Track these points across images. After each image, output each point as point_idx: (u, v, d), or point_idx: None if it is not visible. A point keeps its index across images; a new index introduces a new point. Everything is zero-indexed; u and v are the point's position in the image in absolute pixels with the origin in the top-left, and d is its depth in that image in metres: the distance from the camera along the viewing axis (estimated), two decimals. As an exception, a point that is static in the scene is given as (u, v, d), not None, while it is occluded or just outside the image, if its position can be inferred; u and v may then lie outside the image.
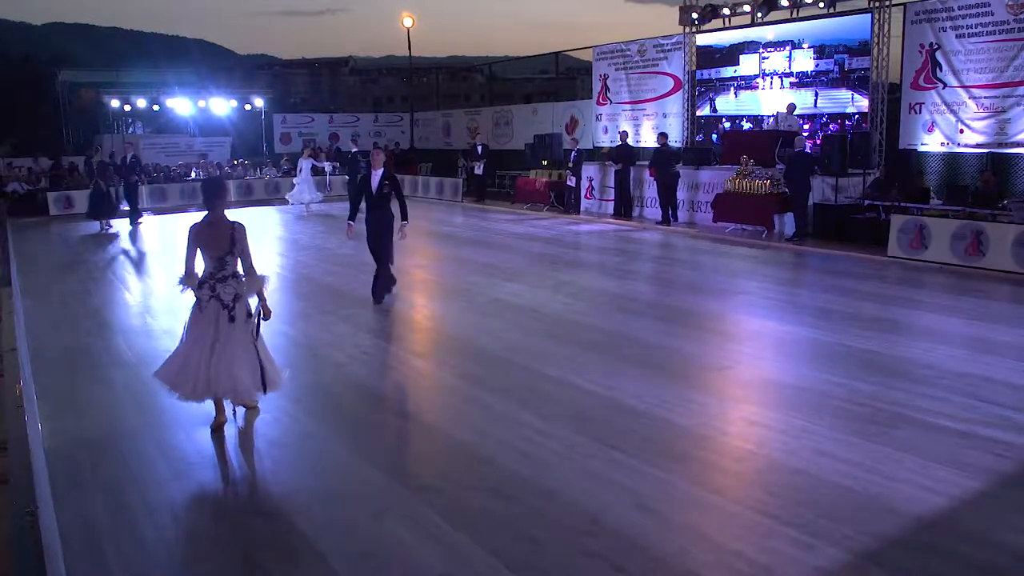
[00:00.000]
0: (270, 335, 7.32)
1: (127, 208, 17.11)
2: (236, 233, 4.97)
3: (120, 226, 16.50)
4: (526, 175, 19.57)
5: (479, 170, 20.64)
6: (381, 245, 8.62)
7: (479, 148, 20.93)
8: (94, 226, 16.26)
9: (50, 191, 19.48)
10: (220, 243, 4.95)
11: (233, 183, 21.62)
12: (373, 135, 25.88)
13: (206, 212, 5.04)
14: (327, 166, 19.59)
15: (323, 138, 26.87)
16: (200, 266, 5.01)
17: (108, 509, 4.06)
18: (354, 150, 19.78)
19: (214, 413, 5.12)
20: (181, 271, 5.06)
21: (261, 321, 5.14)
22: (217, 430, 5.07)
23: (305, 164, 19.30)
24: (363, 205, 8.64)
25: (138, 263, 12.70)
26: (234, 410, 5.27)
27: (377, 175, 8.45)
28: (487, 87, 37.98)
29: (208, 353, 4.91)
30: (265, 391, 5.14)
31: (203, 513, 4.09)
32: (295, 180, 19.41)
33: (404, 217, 8.53)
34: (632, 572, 3.39)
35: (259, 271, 5.15)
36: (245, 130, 26.59)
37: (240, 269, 5.06)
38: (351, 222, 8.81)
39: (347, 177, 19.41)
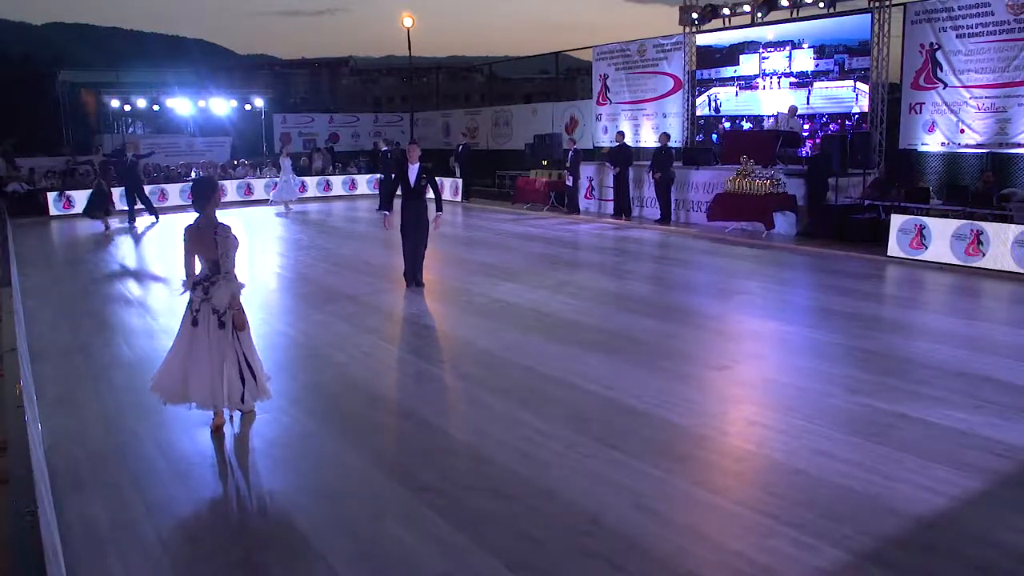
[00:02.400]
0: (270, 335, 7.36)
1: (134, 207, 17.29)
2: (218, 235, 4.81)
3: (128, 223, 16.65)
4: (526, 175, 19.57)
5: (457, 172, 21.05)
6: (421, 233, 9.36)
7: (459, 148, 21.35)
8: (97, 225, 16.38)
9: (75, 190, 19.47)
10: (209, 246, 4.83)
11: (233, 183, 21.64)
12: (373, 135, 25.90)
13: (197, 214, 4.92)
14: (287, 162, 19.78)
15: (323, 138, 26.91)
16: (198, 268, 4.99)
17: (108, 509, 4.06)
18: (383, 148, 19.88)
19: (212, 415, 5.12)
20: (182, 275, 5.02)
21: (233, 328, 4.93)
22: (216, 431, 5.06)
23: (286, 163, 19.43)
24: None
25: (138, 263, 12.70)
26: (231, 415, 5.26)
27: (414, 169, 9.11)
28: (487, 87, 38.00)
29: (198, 360, 4.86)
30: (244, 400, 5.09)
31: (203, 513, 4.08)
32: (279, 180, 19.81)
33: (439, 208, 9.50)
34: (632, 572, 3.39)
35: (239, 279, 4.99)
36: (245, 130, 26.60)
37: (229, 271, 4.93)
38: (387, 212, 9.74)
39: (380, 176, 19.73)
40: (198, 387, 4.87)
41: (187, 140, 25.28)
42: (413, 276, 9.52)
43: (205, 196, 4.90)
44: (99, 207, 16.53)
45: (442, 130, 26.57)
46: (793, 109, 14.65)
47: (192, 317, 4.92)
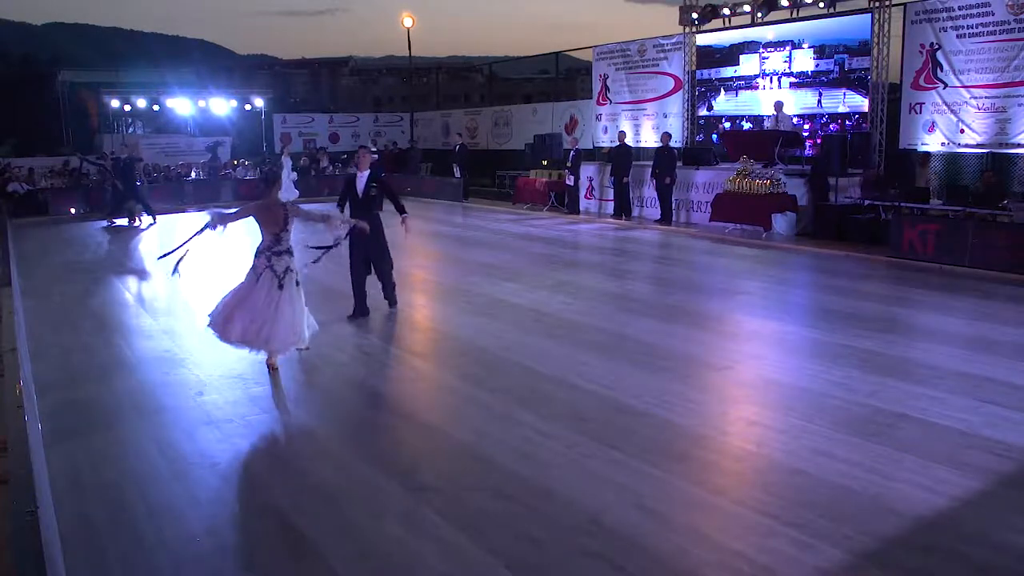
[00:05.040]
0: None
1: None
2: (288, 212, 6.10)
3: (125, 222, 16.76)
4: (526, 175, 19.57)
5: (456, 172, 21.11)
6: (373, 251, 8.02)
7: (456, 148, 21.45)
8: (100, 224, 16.50)
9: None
10: (276, 222, 6.00)
11: (233, 183, 21.67)
12: (373, 135, 25.89)
13: (262, 197, 6.18)
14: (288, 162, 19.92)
15: (323, 139, 26.90)
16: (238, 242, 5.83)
17: (108, 509, 4.06)
18: (372, 150, 19.79)
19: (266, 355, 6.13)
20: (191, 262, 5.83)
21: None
22: (272, 370, 6.17)
23: (286, 162, 19.45)
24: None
25: (138, 263, 12.70)
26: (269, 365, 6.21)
27: (363, 177, 7.83)
28: (487, 87, 38.04)
29: (256, 312, 5.84)
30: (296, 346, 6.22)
31: (203, 513, 4.08)
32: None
33: (402, 211, 8.04)
34: (632, 572, 3.39)
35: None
36: (245, 130, 26.58)
37: (291, 246, 6.14)
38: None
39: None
40: (270, 337, 5.88)
41: (187, 140, 25.26)
42: (364, 304, 8.17)
43: (271, 180, 6.41)
44: (125, 204, 16.90)
45: (442, 130, 26.58)
46: (779, 104, 14.66)
47: (256, 276, 5.95)
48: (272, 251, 5.98)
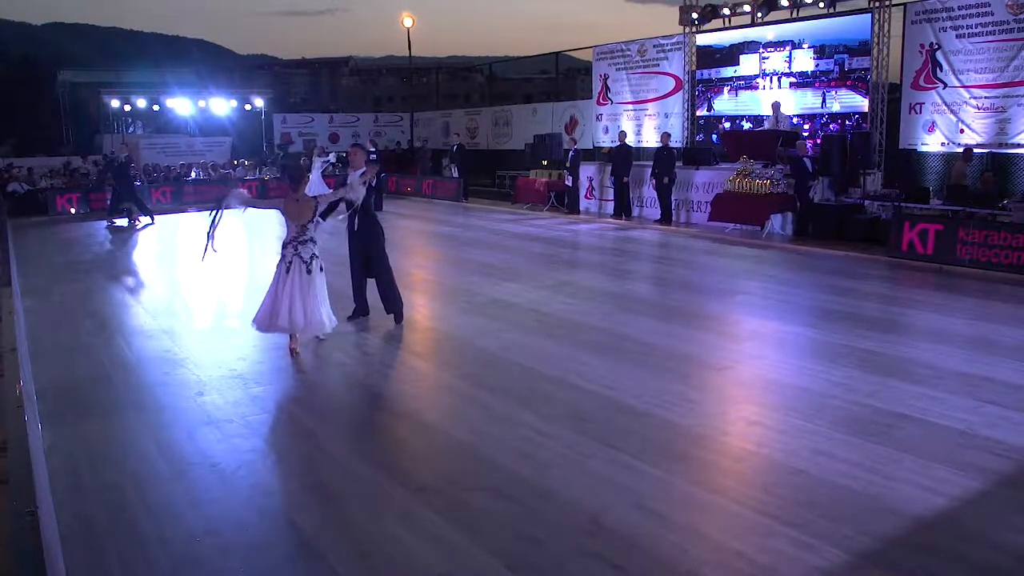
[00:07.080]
0: (270, 336, 7.31)
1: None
2: (318, 200, 6.68)
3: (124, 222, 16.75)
4: (526, 175, 19.57)
5: (454, 172, 21.17)
6: (372, 252, 7.82)
7: (454, 148, 21.50)
8: (101, 224, 16.54)
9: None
10: (304, 214, 6.49)
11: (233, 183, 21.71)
12: (373, 135, 25.89)
13: (291, 191, 6.59)
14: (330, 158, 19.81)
15: (323, 138, 26.90)
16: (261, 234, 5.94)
17: (108, 509, 4.06)
18: (371, 150, 19.72)
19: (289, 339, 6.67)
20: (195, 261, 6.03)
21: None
22: (293, 354, 6.63)
23: (318, 162, 19.41)
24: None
25: (138, 263, 12.70)
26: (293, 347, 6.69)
27: (355, 176, 7.52)
28: (487, 87, 38.05)
29: (289, 298, 6.37)
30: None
31: (203, 513, 4.07)
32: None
33: (378, 204, 8.08)
34: (632, 572, 3.39)
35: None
36: (245, 130, 26.59)
37: (314, 235, 6.62)
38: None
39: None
40: (305, 318, 6.43)
41: (187, 140, 25.26)
42: (364, 303, 8.06)
43: (298, 178, 6.71)
44: (123, 205, 17.08)
45: (442, 130, 26.58)
46: (776, 105, 14.67)
47: (286, 267, 6.46)
48: (298, 240, 6.50)
